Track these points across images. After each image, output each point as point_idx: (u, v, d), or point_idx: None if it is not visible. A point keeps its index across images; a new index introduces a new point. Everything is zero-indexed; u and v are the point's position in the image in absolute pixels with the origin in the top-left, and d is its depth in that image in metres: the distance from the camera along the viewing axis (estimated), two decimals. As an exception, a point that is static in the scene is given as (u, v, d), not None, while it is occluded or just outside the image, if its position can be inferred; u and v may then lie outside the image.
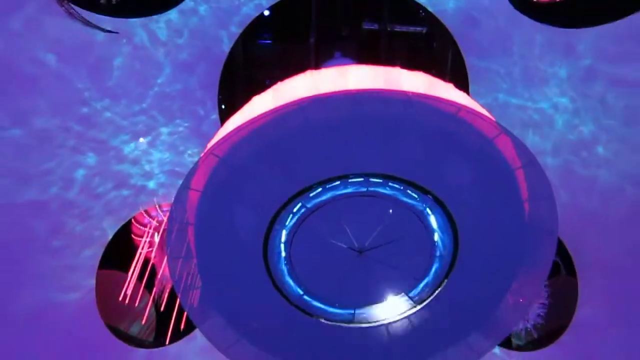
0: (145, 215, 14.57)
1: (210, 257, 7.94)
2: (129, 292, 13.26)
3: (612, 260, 13.30)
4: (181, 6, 12.72)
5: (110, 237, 13.85)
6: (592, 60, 12.81)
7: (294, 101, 6.80)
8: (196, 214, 7.58)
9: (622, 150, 12.86)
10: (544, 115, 13.47)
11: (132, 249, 14.09)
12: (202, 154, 7.34)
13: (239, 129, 7.01)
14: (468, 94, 13.39)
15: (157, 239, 14.33)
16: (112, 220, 13.79)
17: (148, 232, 14.47)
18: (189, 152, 13.69)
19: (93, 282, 13.87)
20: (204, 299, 8.27)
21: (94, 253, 13.69)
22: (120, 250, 14.13)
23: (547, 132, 13.44)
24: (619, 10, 12.06)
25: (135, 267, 13.65)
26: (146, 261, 14.07)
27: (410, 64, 14.16)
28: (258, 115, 6.91)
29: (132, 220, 14.32)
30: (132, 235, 14.73)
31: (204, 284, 8.04)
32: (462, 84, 13.75)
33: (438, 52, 14.52)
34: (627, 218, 12.97)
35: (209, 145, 7.40)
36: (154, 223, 14.47)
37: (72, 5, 11.75)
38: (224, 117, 13.73)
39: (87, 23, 12.04)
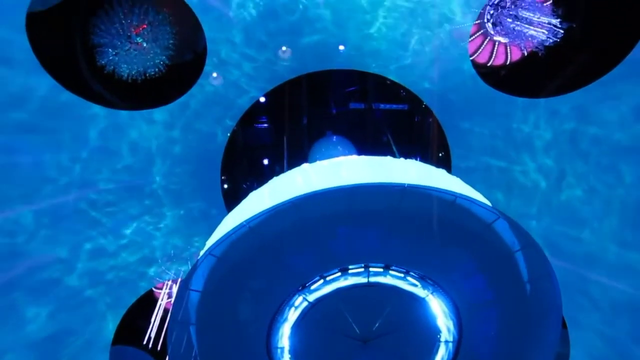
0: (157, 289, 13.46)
1: (214, 354, 6.79)
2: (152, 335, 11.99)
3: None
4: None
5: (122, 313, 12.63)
6: (576, 123, 11.99)
7: (290, 199, 5.85)
8: (197, 313, 6.50)
9: (606, 210, 11.81)
10: (528, 177, 12.58)
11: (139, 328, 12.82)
12: (201, 254, 6.32)
13: (236, 228, 6.03)
14: (450, 163, 12.68)
15: (175, 289, 13.16)
16: (116, 303, 12.62)
17: (167, 284, 13.32)
18: (195, 237, 12.70)
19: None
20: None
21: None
22: (128, 328, 12.89)
23: (530, 195, 12.50)
24: (595, 72, 11.38)
25: (156, 315, 12.40)
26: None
27: (396, 138, 13.67)
28: (255, 214, 5.95)
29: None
30: (153, 289, 13.56)
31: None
32: (444, 153, 13.01)
33: (420, 126, 13.81)
34: (609, 277, 11.79)
35: (207, 244, 6.40)
36: (172, 276, 13.34)
37: None
38: (227, 197, 12.88)
39: None
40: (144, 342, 11.94)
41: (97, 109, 11.62)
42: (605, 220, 11.72)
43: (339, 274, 6.45)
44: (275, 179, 6.78)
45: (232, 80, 12.24)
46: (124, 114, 11.90)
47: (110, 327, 12.45)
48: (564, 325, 12.39)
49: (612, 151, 11.62)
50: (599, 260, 11.79)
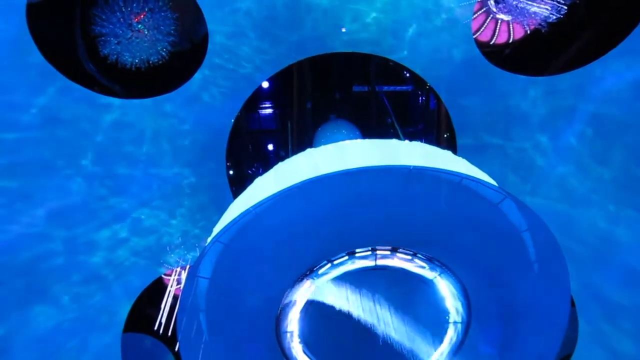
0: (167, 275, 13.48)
1: (223, 339, 6.80)
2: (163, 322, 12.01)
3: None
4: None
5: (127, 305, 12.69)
6: (574, 100, 11.87)
7: (296, 184, 5.78)
8: (206, 299, 6.48)
9: (598, 188, 11.75)
10: (524, 154, 12.50)
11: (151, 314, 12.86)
12: (208, 241, 6.29)
13: (243, 214, 5.97)
14: (455, 143, 12.56)
15: (184, 276, 13.21)
16: (131, 287, 12.68)
17: (176, 271, 13.35)
18: (202, 224, 12.71)
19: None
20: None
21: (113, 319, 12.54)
22: (139, 314, 12.95)
23: (526, 172, 12.45)
24: (594, 52, 11.23)
25: (166, 302, 12.45)
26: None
27: (401, 120, 13.55)
28: (261, 200, 5.88)
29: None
30: (162, 275, 13.61)
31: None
32: (449, 133, 12.89)
33: (425, 107, 13.66)
34: (601, 254, 11.76)
35: (214, 231, 6.36)
36: (181, 262, 13.37)
37: None
38: (233, 183, 12.85)
39: None
40: (155, 329, 12.02)
41: (103, 99, 11.58)
42: (598, 198, 11.66)
43: (347, 257, 6.41)
44: (280, 164, 6.71)
45: (234, 65, 12.12)
46: (129, 102, 11.85)
47: (121, 314, 12.52)
48: (572, 304, 12.38)
49: (608, 129, 11.52)
50: (591, 236, 11.77)
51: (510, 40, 12.55)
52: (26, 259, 11.63)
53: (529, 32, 12.22)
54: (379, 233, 6.32)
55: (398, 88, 13.65)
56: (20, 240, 11.52)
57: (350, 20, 11.98)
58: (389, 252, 6.43)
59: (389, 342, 6.71)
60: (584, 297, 12.28)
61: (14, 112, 10.93)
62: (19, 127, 10.96)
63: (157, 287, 13.12)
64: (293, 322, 6.69)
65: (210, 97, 12.36)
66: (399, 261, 6.46)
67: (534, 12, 11.68)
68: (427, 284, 6.53)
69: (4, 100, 10.84)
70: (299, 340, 6.79)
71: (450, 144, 12.71)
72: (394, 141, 6.61)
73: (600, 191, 11.85)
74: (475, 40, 12.13)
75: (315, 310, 6.67)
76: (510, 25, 12.39)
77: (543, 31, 11.86)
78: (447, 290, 6.58)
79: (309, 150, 6.67)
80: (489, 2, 12.08)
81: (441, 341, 6.83)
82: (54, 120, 11.34)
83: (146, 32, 11.65)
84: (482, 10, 12.24)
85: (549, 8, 11.52)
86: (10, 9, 10.34)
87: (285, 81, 13.13)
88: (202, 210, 12.74)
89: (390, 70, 13.09)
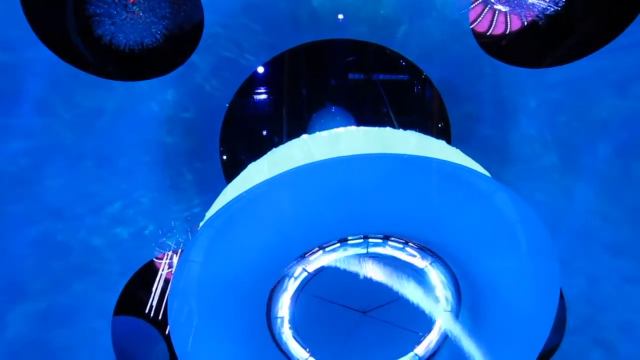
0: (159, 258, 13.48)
1: (214, 323, 6.81)
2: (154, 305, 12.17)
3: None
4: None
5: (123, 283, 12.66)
6: (561, 94, 11.91)
7: (289, 170, 5.75)
8: (197, 283, 6.47)
9: (580, 180, 11.87)
10: (511, 144, 12.55)
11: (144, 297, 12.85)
12: (200, 226, 6.27)
13: (235, 200, 5.94)
14: (450, 133, 12.57)
15: (175, 260, 13.21)
16: (127, 266, 12.66)
17: (168, 255, 13.35)
18: (195, 209, 12.69)
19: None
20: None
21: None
22: (131, 297, 12.94)
23: (512, 161, 12.53)
24: (587, 48, 11.25)
25: (157, 285, 12.45)
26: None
27: (396, 109, 13.51)
28: (254, 185, 5.86)
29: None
30: (154, 259, 13.61)
31: (208, 350, 6.88)
32: (444, 123, 12.90)
33: (420, 96, 13.63)
34: (586, 246, 11.92)
35: (207, 216, 6.34)
36: (173, 246, 13.36)
37: None
38: (226, 168, 12.80)
39: None
40: (146, 312, 12.04)
41: (97, 81, 11.45)
42: (578, 188, 11.79)
43: (338, 244, 6.42)
44: (274, 150, 6.68)
45: (229, 50, 12.01)
46: (121, 84, 11.71)
47: (112, 297, 12.49)
48: (561, 297, 12.51)
49: (593, 124, 11.60)
50: (571, 229, 11.91)
51: (507, 32, 12.52)
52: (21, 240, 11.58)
53: (526, 23, 12.21)
54: (371, 221, 6.32)
55: (394, 77, 13.60)
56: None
57: (347, 9, 11.89)
58: (380, 240, 6.44)
59: (379, 329, 6.76)
60: (570, 287, 12.44)
61: (11, 98, 10.80)
62: (17, 114, 10.84)
63: (149, 271, 13.11)
64: (284, 308, 6.72)
65: (205, 82, 12.26)
66: (390, 249, 6.47)
67: (532, 4, 11.66)
68: (418, 272, 6.56)
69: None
70: (289, 325, 6.82)
71: (445, 134, 12.72)
72: (389, 130, 6.59)
73: (585, 183, 11.95)
74: (472, 30, 12.09)
75: (307, 296, 6.69)
76: (508, 16, 12.36)
77: (540, 23, 11.85)
78: (437, 279, 6.61)
79: (303, 137, 6.64)
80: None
81: (430, 330, 6.88)
82: (52, 105, 11.20)
83: (141, 14, 11.54)
84: (480, 1, 12.20)
85: (547, 0, 11.51)
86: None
87: (280, 67, 13.03)
88: (195, 194, 12.70)
89: (387, 58, 13.02)
